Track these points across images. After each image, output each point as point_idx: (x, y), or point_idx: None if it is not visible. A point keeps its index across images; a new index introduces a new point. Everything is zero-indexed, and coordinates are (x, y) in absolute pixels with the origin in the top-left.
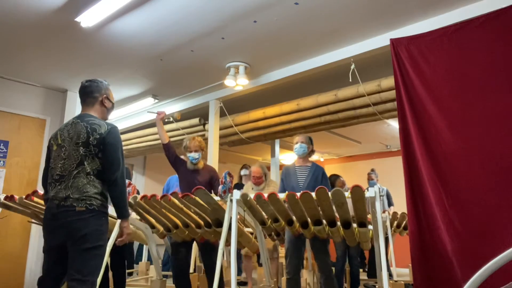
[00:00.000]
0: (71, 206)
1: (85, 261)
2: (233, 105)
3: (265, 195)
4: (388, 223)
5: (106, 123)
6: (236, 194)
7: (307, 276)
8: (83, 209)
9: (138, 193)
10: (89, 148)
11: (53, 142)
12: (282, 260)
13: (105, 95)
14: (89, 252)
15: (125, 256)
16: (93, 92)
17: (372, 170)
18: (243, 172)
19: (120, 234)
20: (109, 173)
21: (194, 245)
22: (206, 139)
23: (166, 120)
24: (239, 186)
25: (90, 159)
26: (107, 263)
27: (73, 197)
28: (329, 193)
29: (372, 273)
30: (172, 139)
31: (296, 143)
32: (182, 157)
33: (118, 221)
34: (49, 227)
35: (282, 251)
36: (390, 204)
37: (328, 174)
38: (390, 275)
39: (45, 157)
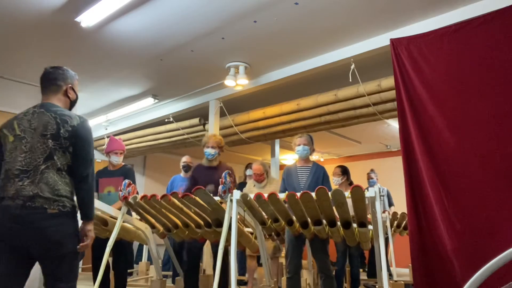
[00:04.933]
0: (41, 207)
1: (64, 269)
2: (233, 105)
3: (265, 195)
4: (388, 223)
5: (77, 115)
6: (236, 194)
7: (307, 276)
8: (55, 211)
9: (138, 193)
10: (59, 141)
11: (8, 132)
12: (282, 260)
13: (70, 85)
14: (66, 258)
15: (127, 256)
16: (57, 79)
17: (372, 170)
18: (248, 172)
19: (83, 239)
20: (81, 169)
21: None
22: None
23: (166, 120)
24: (244, 185)
25: (60, 153)
26: (108, 262)
27: (43, 196)
28: (329, 193)
29: (372, 273)
30: (172, 139)
31: (299, 145)
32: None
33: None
34: (8, 229)
35: (283, 250)
36: (390, 204)
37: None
38: (390, 275)
39: None
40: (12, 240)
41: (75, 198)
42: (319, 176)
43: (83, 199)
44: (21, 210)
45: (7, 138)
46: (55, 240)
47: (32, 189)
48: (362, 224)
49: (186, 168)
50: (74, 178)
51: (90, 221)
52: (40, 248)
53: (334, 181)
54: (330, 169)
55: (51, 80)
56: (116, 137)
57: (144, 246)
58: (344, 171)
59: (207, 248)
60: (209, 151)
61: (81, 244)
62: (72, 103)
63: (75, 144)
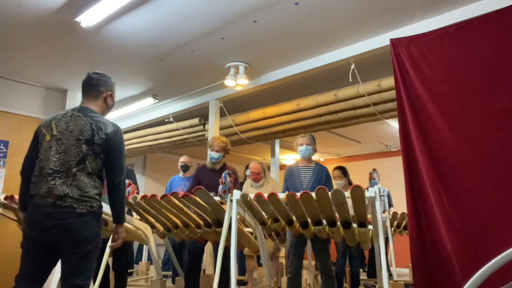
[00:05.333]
0: (71, 207)
1: (84, 265)
2: (233, 105)
3: (265, 195)
4: (388, 223)
5: (111, 123)
6: (236, 194)
7: (307, 276)
8: (84, 211)
9: (138, 193)
10: (92, 147)
11: (46, 131)
12: (282, 260)
13: (110, 92)
14: (88, 255)
15: (127, 256)
16: (100, 86)
17: (374, 169)
18: (248, 172)
19: (115, 239)
20: (113, 176)
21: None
22: (206, 139)
23: (166, 120)
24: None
25: (92, 158)
26: (108, 262)
27: (72, 196)
28: (329, 193)
29: (372, 273)
30: (172, 139)
31: (301, 145)
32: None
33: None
34: (38, 225)
35: (282, 250)
36: (390, 205)
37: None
38: (390, 275)
39: (31, 144)
40: (42, 236)
41: (100, 199)
42: (322, 176)
43: (116, 205)
44: (52, 208)
45: (45, 136)
46: (82, 237)
47: (64, 189)
48: (362, 224)
49: (184, 168)
50: (103, 182)
51: (122, 224)
52: (68, 243)
53: (337, 185)
54: (330, 169)
55: (93, 86)
56: None
57: (144, 246)
58: (345, 173)
59: (207, 248)
60: (213, 154)
61: (112, 243)
62: (109, 109)
63: (107, 151)
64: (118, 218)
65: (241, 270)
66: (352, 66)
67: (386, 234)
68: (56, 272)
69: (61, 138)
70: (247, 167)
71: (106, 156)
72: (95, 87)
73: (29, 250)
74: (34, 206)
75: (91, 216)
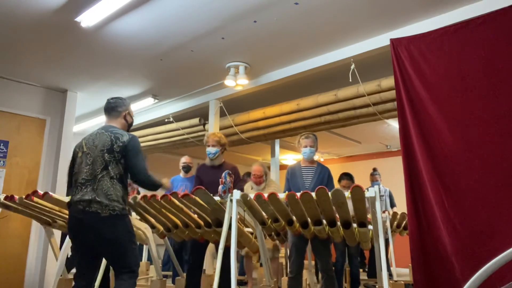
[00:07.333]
0: (96, 212)
1: (123, 260)
2: (233, 105)
3: (265, 195)
4: (388, 223)
5: (127, 133)
6: (236, 194)
7: (307, 276)
8: (107, 215)
9: (138, 193)
10: (113, 154)
11: (79, 150)
12: (282, 260)
13: (127, 111)
14: (126, 249)
15: None
16: (118, 107)
17: (375, 170)
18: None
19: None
20: (135, 173)
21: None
22: None
23: (166, 120)
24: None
25: (114, 164)
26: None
27: (98, 201)
28: (329, 193)
29: (372, 273)
30: (172, 139)
31: (305, 146)
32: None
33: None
34: (74, 230)
35: (282, 250)
36: (392, 205)
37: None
38: (390, 275)
39: (70, 163)
40: (80, 238)
41: (124, 202)
42: (324, 177)
43: (149, 188)
44: (82, 214)
45: (78, 154)
46: (109, 237)
47: (91, 195)
48: (362, 224)
49: (186, 168)
50: (126, 186)
51: (160, 187)
52: (100, 244)
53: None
54: (330, 169)
55: (113, 108)
56: None
57: (144, 246)
58: (352, 180)
59: (208, 248)
60: (209, 150)
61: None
62: (129, 125)
63: (126, 155)
64: (155, 189)
65: (241, 270)
66: (352, 66)
67: (386, 234)
68: (56, 272)
69: (89, 152)
70: (244, 174)
71: (125, 160)
72: (115, 109)
73: (75, 251)
74: (70, 213)
75: (114, 219)
